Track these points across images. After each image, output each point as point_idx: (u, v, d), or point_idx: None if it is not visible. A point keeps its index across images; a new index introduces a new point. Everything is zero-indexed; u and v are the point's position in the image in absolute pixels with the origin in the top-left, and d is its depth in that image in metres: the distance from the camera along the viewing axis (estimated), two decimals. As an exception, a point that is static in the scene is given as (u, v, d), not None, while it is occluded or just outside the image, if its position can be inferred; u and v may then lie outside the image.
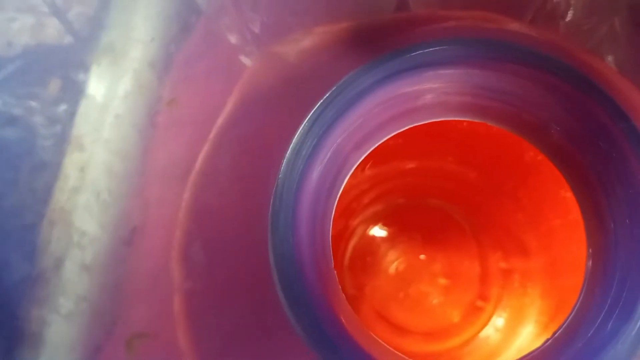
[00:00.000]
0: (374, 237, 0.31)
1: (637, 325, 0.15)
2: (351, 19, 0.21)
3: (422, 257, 0.30)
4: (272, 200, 0.16)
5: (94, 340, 0.22)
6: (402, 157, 0.28)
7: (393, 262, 0.31)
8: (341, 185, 0.19)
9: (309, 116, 0.17)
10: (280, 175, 0.16)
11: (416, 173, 0.30)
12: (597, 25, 0.21)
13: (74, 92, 0.26)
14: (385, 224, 0.31)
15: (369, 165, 0.29)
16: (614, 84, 0.18)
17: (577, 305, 0.17)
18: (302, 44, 0.22)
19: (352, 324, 0.17)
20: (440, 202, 0.31)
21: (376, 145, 0.20)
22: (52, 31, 0.29)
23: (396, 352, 0.17)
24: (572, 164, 0.18)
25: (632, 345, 0.15)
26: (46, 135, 0.27)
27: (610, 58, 0.21)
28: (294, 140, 0.17)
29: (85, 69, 0.25)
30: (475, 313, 0.30)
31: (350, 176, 0.29)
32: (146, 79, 0.26)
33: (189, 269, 0.20)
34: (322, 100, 0.17)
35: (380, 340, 0.18)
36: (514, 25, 0.20)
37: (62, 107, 0.27)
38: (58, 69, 0.28)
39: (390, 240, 0.31)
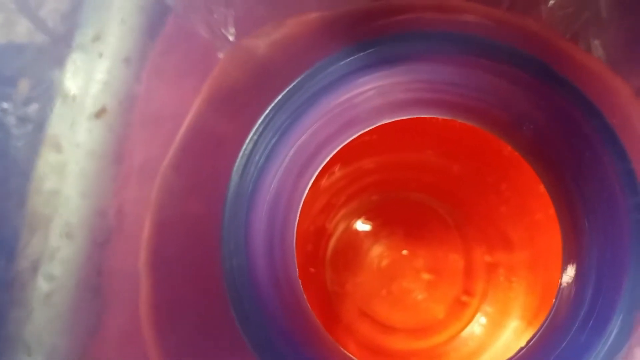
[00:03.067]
0: (355, 234, 0.30)
1: (611, 339, 0.14)
2: (324, 8, 0.20)
3: (404, 252, 0.30)
4: (223, 208, 0.15)
5: (78, 342, 0.22)
6: (379, 152, 0.27)
7: (375, 259, 0.30)
8: (304, 189, 0.18)
9: (260, 120, 0.16)
10: (230, 183, 0.15)
11: (396, 167, 0.29)
12: (580, 9, 0.20)
13: (47, 91, 0.26)
14: (367, 219, 0.30)
15: (345, 161, 0.28)
16: (593, 76, 0.17)
17: (551, 314, 0.16)
18: (272, 36, 0.21)
19: (317, 336, 0.17)
20: (422, 195, 0.30)
21: (342, 145, 0.19)
22: (22, 29, 0.28)
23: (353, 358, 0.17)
24: (545, 161, 0.17)
25: (606, 357, 0.14)
26: (18, 135, 0.26)
27: (597, 42, 0.20)
28: (245, 145, 0.16)
29: (60, 67, 0.25)
30: (460, 308, 0.29)
31: (328, 173, 0.29)
32: (121, 75, 0.25)
33: (155, 274, 0.19)
34: (273, 104, 0.16)
35: (346, 353, 0.17)
36: (492, 12, 0.19)
37: (34, 107, 0.26)
38: (30, 68, 0.27)
39: (372, 236, 0.30)
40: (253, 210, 0.16)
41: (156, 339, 0.16)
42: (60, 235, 0.22)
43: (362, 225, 0.30)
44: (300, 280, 0.18)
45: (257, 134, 0.16)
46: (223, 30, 0.22)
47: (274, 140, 0.16)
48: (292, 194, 0.18)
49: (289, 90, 0.16)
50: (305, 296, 0.18)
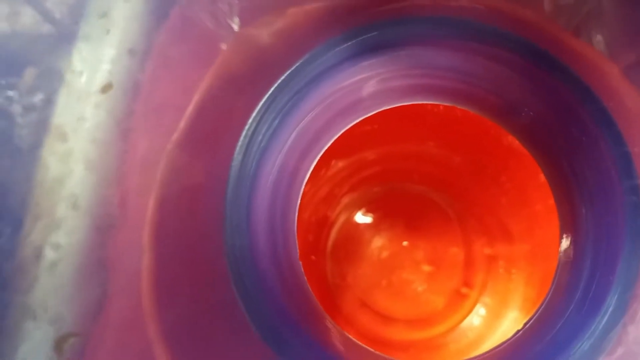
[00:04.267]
0: (356, 225, 0.31)
1: (604, 321, 0.14)
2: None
3: (405, 244, 0.30)
4: (226, 187, 0.15)
5: (80, 329, 0.22)
6: (380, 143, 0.28)
7: (376, 250, 0.30)
8: (306, 172, 0.19)
9: (262, 101, 0.16)
10: (233, 162, 0.15)
11: (397, 158, 0.29)
12: (581, 1, 0.20)
13: (52, 80, 0.26)
14: (368, 211, 0.31)
15: (347, 152, 0.28)
16: (588, 61, 0.17)
17: (548, 296, 0.16)
18: (275, 25, 0.21)
19: (315, 317, 0.17)
20: (423, 187, 0.30)
21: (343, 130, 0.20)
22: (29, 19, 0.29)
23: (355, 340, 0.17)
24: (543, 146, 0.17)
25: (599, 340, 0.14)
26: (22, 124, 0.26)
27: (599, 37, 0.20)
28: (247, 126, 0.16)
29: (65, 57, 0.25)
30: (460, 300, 0.29)
31: (330, 164, 0.29)
32: (125, 65, 0.25)
33: (157, 249, 0.19)
34: (275, 86, 0.16)
35: (343, 332, 0.17)
36: (493, 2, 0.19)
37: (39, 96, 0.27)
38: (36, 57, 0.27)
39: (372, 227, 0.30)
40: (255, 190, 0.16)
41: (156, 314, 0.16)
42: (63, 224, 0.23)
43: (363, 217, 0.31)
44: (300, 262, 0.18)
45: (260, 114, 0.16)
46: (227, 20, 0.22)
47: (276, 122, 0.16)
48: (294, 176, 0.18)
49: (289, 73, 0.16)
50: (305, 277, 0.18)
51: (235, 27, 0.22)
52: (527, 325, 0.16)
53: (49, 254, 0.22)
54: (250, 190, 0.15)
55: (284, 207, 0.17)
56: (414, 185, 0.30)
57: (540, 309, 0.16)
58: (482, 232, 0.29)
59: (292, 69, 0.17)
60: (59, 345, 0.17)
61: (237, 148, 0.16)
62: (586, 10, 0.20)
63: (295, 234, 0.18)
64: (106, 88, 0.25)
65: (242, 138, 0.16)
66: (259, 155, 0.16)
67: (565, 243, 0.17)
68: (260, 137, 0.16)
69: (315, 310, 0.17)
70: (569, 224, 0.17)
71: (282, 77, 0.16)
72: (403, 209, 0.30)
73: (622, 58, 0.20)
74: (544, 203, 0.24)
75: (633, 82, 0.18)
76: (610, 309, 0.14)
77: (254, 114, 0.16)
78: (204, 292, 0.15)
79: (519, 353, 0.16)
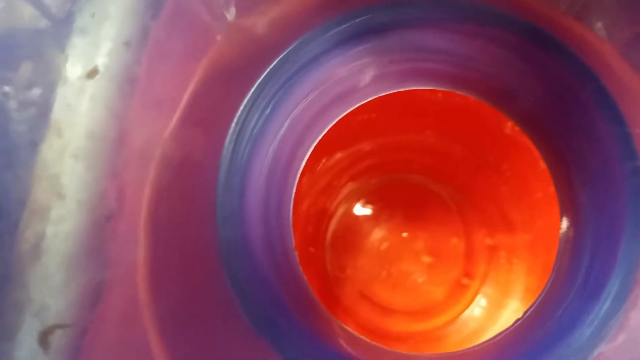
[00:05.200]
0: (355, 216, 0.30)
1: (605, 307, 0.14)
2: None
3: (405, 235, 0.29)
4: (217, 175, 0.15)
5: (79, 322, 0.22)
6: (379, 133, 0.27)
7: (376, 241, 0.30)
8: (301, 160, 0.18)
9: (252, 89, 0.16)
10: (224, 150, 0.15)
11: (396, 149, 0.29)
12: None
13: (49, 75, 0.26)
14: (367, 202, 0.30)
15: (345, 142, 0.28)
16: (593, 47, 0.16)
17: (549, 283, 0.16)
18: (269, 14, 0.21)
19: (312, 308, 0.17)
20: (423, 177, 0.30)
21: (338, 118, 0.19)
22: (24, 13, 0.29)
23: (353, 332, 0.16)
24: (543, 131, 0.17)
25: (600, 326, 0.14)
26: (19, 120, 0.26)
27: (599, 24, 0.20)
28: (238, 113, 0.16)
29: (61, 51, 0.25)
30: (461, 291, 0.29)
31: (328, 154, 0.29)
32: (120, 58, 0.25)
33: (152, 239, 0.19)
34: (265, 73, 0.16)
35: (340, 323, 0.17)
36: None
37: (36, 91, 0.27)
38: (32, 52, 0.27)
39: (372, 218, 0.30)
40: (249, 180, 0.16)
41: (152, 307, 0.16)
42: (61, 220, 0.23)
43: (362, 208, 0.30)
44: (297, 252, 0.18)
45: (251, 102, 0.16)
46: (223, 11, 0.22)
47: (268, 110, 0.16)
48: (289, 165, 0.18)
49: (280, 60, 0.16)
50: (301, 267, 0.18)
51: (230, 18, 0.22)
52: (528, 313, 0.16)
53: (48, 248, 0.22)
54: (243, 180, 0.15)
55: (279, 196, 0.17)
56: (413, 175, 0.30)
57: (541, 296, 0.16)
58: (482, 222, 0.29)
59: (283, 55, 0.16)
60: (43, 337, 0.17)
61: (228, 137, 0.16)
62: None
63: (291, 224, 0.18)
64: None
65: (232, 127, 0.16)
66: (251, 144, 0.16)
67: (565, 227, 0.17)
68: (252, 126, 0.16)
69: (312, 301, 0.16)
70: (569, 208, 0.17)
71: (273, 64, 0.16)
72: (403, 200, 0.30)
73: (622, 41, 0.19)
74: (544, 191, 0.23)
75: (632, 64, 0.18)
76: (612, 295, 0.14)
77: (244, 102, 0.16)
78: (197, 284, 0.15)
79: (520, 341, 0.15)
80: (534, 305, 0.16)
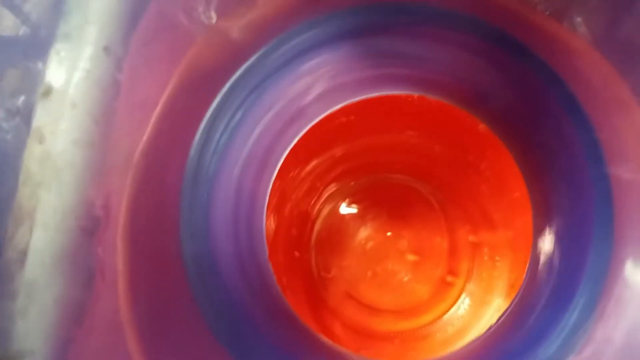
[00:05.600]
0: (339, 217, 0.30)
1: (573, 318, 0.14)
2: None
3: (389, 234, 0.30)
4: (182, 193, 0.15)
5: (65, 331, 0.22)
6: (359, 134, 0.27)
7: (360, 241, 0.30)
8: (274, 169, 0.18)
9: (218, 98, 0.16)
10: (188, 164, 0.15)
11: (377, 149, 0.29)
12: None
13: (32, 82, 0.26)
14: (351, 202, 0.30)
15: (326, 144, 0.28)
16: (563, 49, 0.16)
17: (521, 290, 0.16)
18: (245, 17, 0.21)
19: (285, 320, 0.17)
20: (405, 177, 0.30)
21: (313, 123, 0.19)
22: (8, 23, 0.28)
23: (330, 342, 0.17)
24: (514, 134, 0.17)
25: (569, 337, 0.14)
26: (6, 129, 0.26)
27: (579, 20, 0.20)
28: (203, 124, 0.15)
29: (44, 58, 0.25)
30: (446, 288, 0.29)
31: (308, 157, 0.29)
32: (101, 64, 0.25)
33: (130, 255, 0.19)
34: (231, 81, 0.16)
35: (318, 335, 0.17)
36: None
37: (21, 99, 0.26)
38: (16, 60, 0.27)
39: (356, 218, 0.30)
40: (216, 190, 0.16)
41: (132, 318, 0.16)
42: (46, 227, 0.23)
43: (346, 209, 0.30)
44: (270, 263, 0.18)
45: (216, 111, 0.16)
46: (201, 16, 0.22)
47: (236, 118, 0.16)
48: (260, 173, 0.18)
49: (247, 67, 0.16)
50: (275, 279, 0.18)
51: (209, 22, 0.22)
52: (500, 320, 0.16)
53: (33, 256, 0.22)
54: (210, 192, 0.15)
55: (249, 207, 0.17)
56: (395, 175, 0.30)
57: (513, 303, 0.16)
58: (465, 219, 0.29)
59: (250, 62, 0.16)
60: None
61: (193, 148, 0.15)
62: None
63: (264, 234, 0.18)
64: (83, 87, 0.25)
65: (197, 137, 0.15)
66: (218, 154, 0.16)
67: (537, 232, 0.17)
68: (218, 136, 0.15)
69: (286, 313, 0.16)
70: (541, 212, 0.17)
71: (239, 72, 0.16)
72: (386, 200, 0.30)
73: (601, 37, 0.19)
74: (521, 190, 0.23)
75: (611, 61, 0.18)
76: (580, 305, 0.14)
77: (209, 112, 0.16)
78: (168, 297, 0.15)
79: (492, 350, 0.15)
80: (507, 312, 0.16)
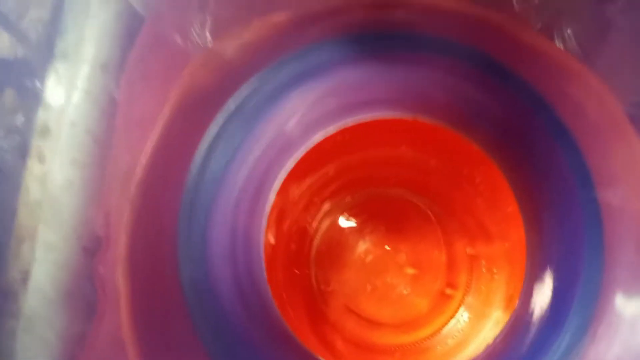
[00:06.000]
0: (338, 232, 0.31)
1: (567, 338, 0.14)
2: (288, 8, 0.20)
3: (387, 248, 0.30)
4: (179, 219, 0.15)
5: (68, 349, 0.22)
6: (355, 150, 0.27)
7: (359, 255, 0.30)
8: (269, 191, 0.19)
9: (213, 126, 0.16)
10: (185, 191, 0.15)
11: (374, 164, 0.29)
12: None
13: (30, 101, 0.26)
14: (349, 217, 0.30)
15: (323, 160, 0.28)
16: (556, 67, 0.17)
17: (516, 311, 0.16)
18: (240, 38, 0.21)
19: (283, 340, 0.17)
20: (402, 191, 0.30)
21: (308, 145, 0.19)
22: (4, 42, 0.29)
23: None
24: (504, 156, 0.17)
25: (562, 358, 0.14)
26: (6, 148, 0.26)
27: (569, 31, 0.20)
28: (199, 151, 0.16)
29: (42, 76, 0.25)
30: (445, 301, 0.29)
31: (305, 174, 0.29)
32: (99, 82, 0.25)
33: (130, 276, 0.19)
34: (224, 111, 0.16)
35: (316, 356, 0.17)
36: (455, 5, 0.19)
37: (19, 118, 0.27)
38: (13, 79, 0.27)
39: (355, 233, 0.30)
40: (213, 218, 0.16)
41: (134, 338, 0.16)
42: (48, 247, 0.23)
43: (344, 223, 0.31)
44: (269, 285, 0.18)
45: (214, 135, 0.16)
46: (195, 36, 0.22)
47: (235, 141, 0.16)
48: (257, 195, 0.18)
49: (243, 91, 0.16)
50: (273, 300, 0.18)
51: (204, 42, 0.22)
52: (497, 340, 0.16)
53: (36, 275, 0.22)
54: (208, 216, 0.15)
55: (247, 229, 0.17)
56: (391, 189, 0.30)
57: (508, 324, 0.16)
58: (462, 232, 0.29)
59: (246, 86, 0.17)
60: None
61: (191, 170, 0.16)
62: (556, 7, 0.20)
63: (262, 256, 0.18)
64: (82, 106, 0.25)
65: (195, 159, 0.16)
66: (216, 176, 0.16)
67: (530, 248, 0.17)
68: (216, 158, 0.16)
69: (285, 334, 0.17)
70: (534, 228, 0.17)
71: (235, 100, 0.16)
72: (384, 214, 0.30)
73: (591, 50, 0.19)
74: (513, 207, 0.23)
75: (600, 73, 0.18)
76: (572, 328, 0.14)
77: (207, 135, 0.16)
78: (167, 318, 0.16)
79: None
80: (501, 335, 0.16)
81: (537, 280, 0.16)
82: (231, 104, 0.17)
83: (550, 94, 0.15)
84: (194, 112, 0.19)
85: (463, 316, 0.29)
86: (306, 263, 0.31)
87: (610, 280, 0.14)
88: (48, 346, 0.22)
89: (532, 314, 0.15)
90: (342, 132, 0.25)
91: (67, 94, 0.24)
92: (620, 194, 0.14)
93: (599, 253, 0.14)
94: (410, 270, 0.30)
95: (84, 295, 0.23)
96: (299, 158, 0.20)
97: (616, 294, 0.14)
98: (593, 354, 0.14)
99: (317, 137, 0.20)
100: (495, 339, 0.16)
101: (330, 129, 0.19)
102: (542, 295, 0.15)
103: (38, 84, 0.26)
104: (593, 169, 0.14)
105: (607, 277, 0.14)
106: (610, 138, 0.14)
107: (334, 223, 0.31)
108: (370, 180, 0.30)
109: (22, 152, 0.24)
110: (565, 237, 0.15)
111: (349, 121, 0.19)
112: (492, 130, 0.17)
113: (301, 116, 0.19)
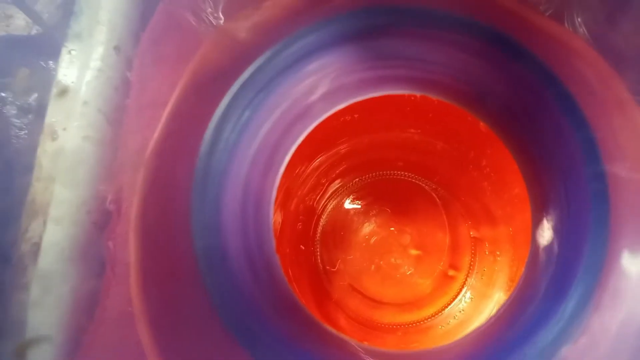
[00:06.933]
0: (344, 212, 0.31)
1: (569, 309, 0.14)
2: None
3: (392, 229, 0.30)
4: (193, 189, 0.16)
5: (77, 322, 0.23)
6: (363, 132, 0.28)
7: (364, 236, 0.31)
8: (280, 166, 0.19)
9: (227, 97, 0.16)
10: (198, 162, 0.16)
11: (381, 146, 0.29)
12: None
13: (44, 80, 0.26)
14: (355, 198, 0.31)
15: (331, 141, 0.28)
16: (560, 47, 0.17)
17: (521, 282, 0.17)
18: (252, 19, 0.21)
19: (292, 311, 0.17)
20: (408, 173, 0.31)
21: (317, 122, 0.20)
22: (20, 22, 0.29)
23: (336, 333, 0.17)
24: (512, 132, 0.17)
25: (565, 327, 0.14)
26: (20, 126, 0.27)
27: (579, 19, 0.20)
28: (211, 122, 0.16)
29: (55, 56, 0.25)
30: (447, 282, 0.30)
31: (313, 154, 0.29)
32: (112, 63, 0.26)
33: (141, 249, 0.19)
34: (237, 84, 0.16)
35: (324, 325, 0.18)
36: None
37: (33, 96, 0.27)
38: (28, 58, 0.28)
39: (360, 214, 0.31)
40: (225, 187, 0.16)
41: (143, 306, 0.17)
42: (59, 222, 0.23)
43: (350, 204, 0.31)
44: (278, 255, 0.18)
45: (225, 110, 0.16)
46: (210, 17, 0.23)
47: (244, 117, 0.17)
48: (267, 170, 0.18)
49: (254, 68, 0.17)
50: (282, 271, 0.18)
51: (217, 23, 0.23)
52: (500, 311, 0.17)
53: (46, 249, 0.23)
54: (220, 188, 0.16)
55: (257, 202, 0.18)
56: (399, 172, 0.31)
57: (513, 294, 0.16)
58: (467, 215, 0.29)
59: (257, 64, 0.17)
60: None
61: (203, 146, 0.16)
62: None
63: (271, 228, 0.19)
64: (95, 86, 0.26)
65: (207, 135, 0.16)
66: (227, 151, 0.16)
67: (535, 226, 0.17)
68: (226, 134, 0.16)
69: (294, 305, 0.17)
70: (540, 206, 0.17)
71: (247, 73, 0.17)
72: (389, 196, 0.31)
73: (600, 38, 0.20)
74: (521, 187, 0.24)
75: (610, 62, 0.18)
76: (576, 296, 0.14)
77: (218, 111, 0.16)
78: (179, 290, 0.16)
79: (491, 339, 0.16)
80: (506, 304, 0.17)
81: (543, 251, 0.16)
82: (245, 75, 0.17)
83: (560, 70, 0.16)
84: (206, 91, 0.20)
85: (465, 297, 0.29)
86: (312, 242, 0.31)
87: (616, 249, 0.14)
88: (60, 316, 0.22)
89: (537, 285, 0.15)
90: (351, 112, 0.26)
91: (81, 73, 0.25)
92: (629, 165, 0.14)
93: (605, 224, 0.14)
94: (414, 252, 0.30)
95: (93, 267, 0.24)
96: (308, 134, 0.20)
97: (621, 262, 0.14)
98: (597, 321, 0.14)
99: (327, 113, 0.20)
100: (499, 309, 0.17)
101: (340, 105, 0.20)
102: (547, 266, 0.16)
103: (52, 64, 0.27)
104: (601, 143, 0.15)
105: (612, 246, 0.14)
106: (618, 114, 0.15)
107: (340, 204, 0.31)
108: (377, 162, 0.31)
109: (37, 130, 0.24)
110: (572, 209, 0.15)
111: (359, 98, 0.19)
112: (501, 107, 0.17)
113: (309, 93, 0.19)
